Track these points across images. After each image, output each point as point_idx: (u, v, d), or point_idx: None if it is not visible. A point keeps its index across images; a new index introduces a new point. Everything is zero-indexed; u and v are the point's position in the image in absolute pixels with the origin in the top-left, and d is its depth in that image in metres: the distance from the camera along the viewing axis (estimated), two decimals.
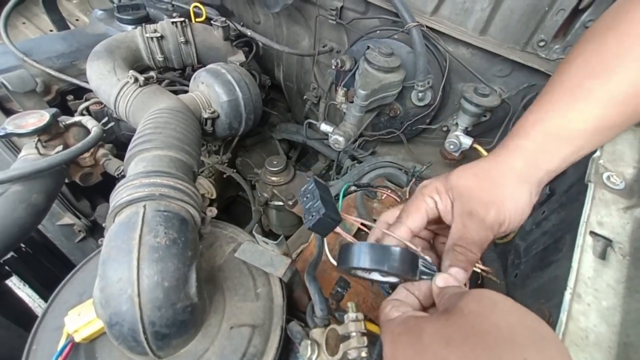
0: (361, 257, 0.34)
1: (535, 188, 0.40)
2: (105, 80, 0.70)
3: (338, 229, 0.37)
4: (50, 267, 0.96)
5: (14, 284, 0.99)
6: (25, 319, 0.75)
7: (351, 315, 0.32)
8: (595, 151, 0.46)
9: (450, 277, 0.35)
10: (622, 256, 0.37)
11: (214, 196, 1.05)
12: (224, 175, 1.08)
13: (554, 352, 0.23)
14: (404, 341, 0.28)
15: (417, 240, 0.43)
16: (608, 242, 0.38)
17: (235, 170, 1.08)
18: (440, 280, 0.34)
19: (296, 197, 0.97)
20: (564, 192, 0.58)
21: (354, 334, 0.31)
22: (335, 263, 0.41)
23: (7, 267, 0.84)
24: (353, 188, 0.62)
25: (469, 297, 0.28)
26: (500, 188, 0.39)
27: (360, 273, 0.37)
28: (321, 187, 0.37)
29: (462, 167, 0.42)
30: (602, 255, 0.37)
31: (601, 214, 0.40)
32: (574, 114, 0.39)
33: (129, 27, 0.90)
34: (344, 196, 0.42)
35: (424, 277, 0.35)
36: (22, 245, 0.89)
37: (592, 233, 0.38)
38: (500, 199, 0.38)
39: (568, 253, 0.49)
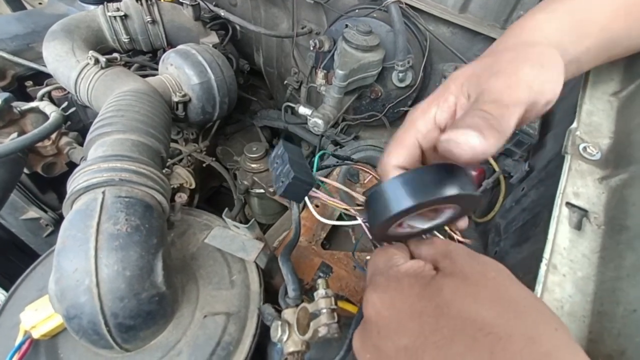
0: (400, 196, 0.25)
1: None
2: (63, 62, 0.64)
3: (318, 192, 0.33)
4: (20, 265, 0.91)
5: None
6: None
7: (321, 292, 0.31)
8: (572, 122, 0.45)
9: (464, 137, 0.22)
10: (597, 226, 0.36)
11: (194, 186, 1.01)
12: (204, 165, 1.05)
13: (564, 327, 0.23)
14: (417, 294, 0.25)
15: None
16: (584, 212, 0.37)
17: (214, 159, 1.04)
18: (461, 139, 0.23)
19: None
20: (543, 168, 0.58)
21: (324, 310, 0.30)
22: (321, 219, 0.35)
23: None
24: (334, 162, 0.59)
25: (488, 263, 0.26)
26: (527, 47, 0.30)
27: (401, 229, 0.29)
28: (291, 150, 0.34)
29: None
30: (578, 226, 0.36)
31: (577, 185, 0.39)
32: (584, 8, 0.35)
33: (92, 7, 0.84)
34: (319, 168, 0.39)
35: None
36: None
37: (568, 204, 0.37)
38: (533, 53, 0.28)
39: (545, 227, 0.49)
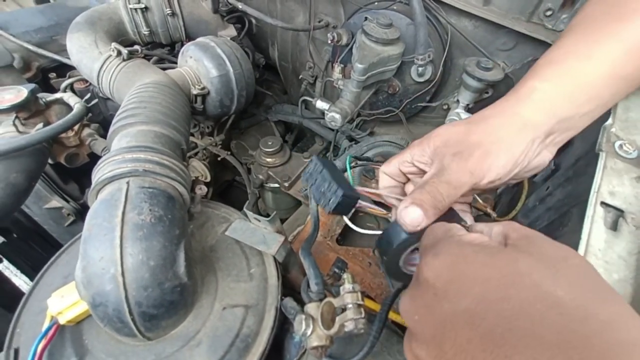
0: (396, 235, 0.31)
1: (541, 137, 0.36)
2: (86, 53, 0.65)
3: (361, 202, 0.35)
4: (42, 253, 0.94)
5: (11, 271, 0.98)
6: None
7: (347, 286, 0.30)
8: (606, 119, 0.43)
9: (408, 214, 0.30)
10: (634, 227, 0.34)
11: (209, 179, 1.02)
12: (219, 159, 1.05)
13: None
14: (483, 261, 0.23)
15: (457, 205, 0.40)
16: (619, 212, 0.35)
17: (229, 153, 1.05)
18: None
19: (292, 178, 0.94)
20: (571, 166, 0.56)
21: (350, 305, 0.29)
22: (353, 226, 0.39)
23: None
24: (353, 164, 0.60)
25: (571, 251, 0.25)
26: (494, 132, 0.35)
27: (411, 267, 0.34)
28: (328, 166, 0.34)
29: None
30: (614, 227, 0.35)
31: (613, 184, 0.37)
32: (593, 55, 0.35)
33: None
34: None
35: None
36: (14, 232, 0.87)
37: (603, 204, 0.36)
38: (490, 142, 0.34)
39: (574, 227, 0.47)
